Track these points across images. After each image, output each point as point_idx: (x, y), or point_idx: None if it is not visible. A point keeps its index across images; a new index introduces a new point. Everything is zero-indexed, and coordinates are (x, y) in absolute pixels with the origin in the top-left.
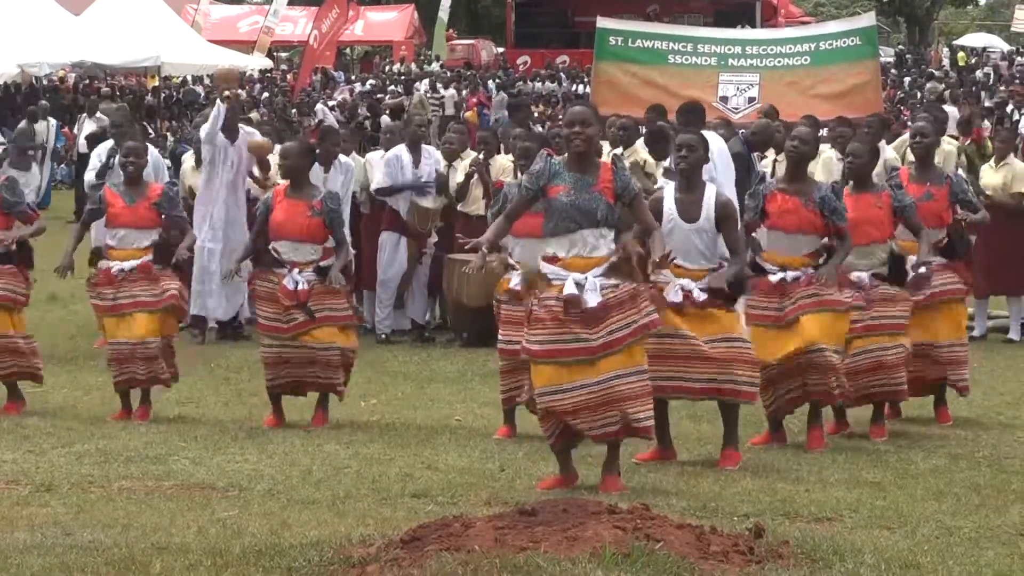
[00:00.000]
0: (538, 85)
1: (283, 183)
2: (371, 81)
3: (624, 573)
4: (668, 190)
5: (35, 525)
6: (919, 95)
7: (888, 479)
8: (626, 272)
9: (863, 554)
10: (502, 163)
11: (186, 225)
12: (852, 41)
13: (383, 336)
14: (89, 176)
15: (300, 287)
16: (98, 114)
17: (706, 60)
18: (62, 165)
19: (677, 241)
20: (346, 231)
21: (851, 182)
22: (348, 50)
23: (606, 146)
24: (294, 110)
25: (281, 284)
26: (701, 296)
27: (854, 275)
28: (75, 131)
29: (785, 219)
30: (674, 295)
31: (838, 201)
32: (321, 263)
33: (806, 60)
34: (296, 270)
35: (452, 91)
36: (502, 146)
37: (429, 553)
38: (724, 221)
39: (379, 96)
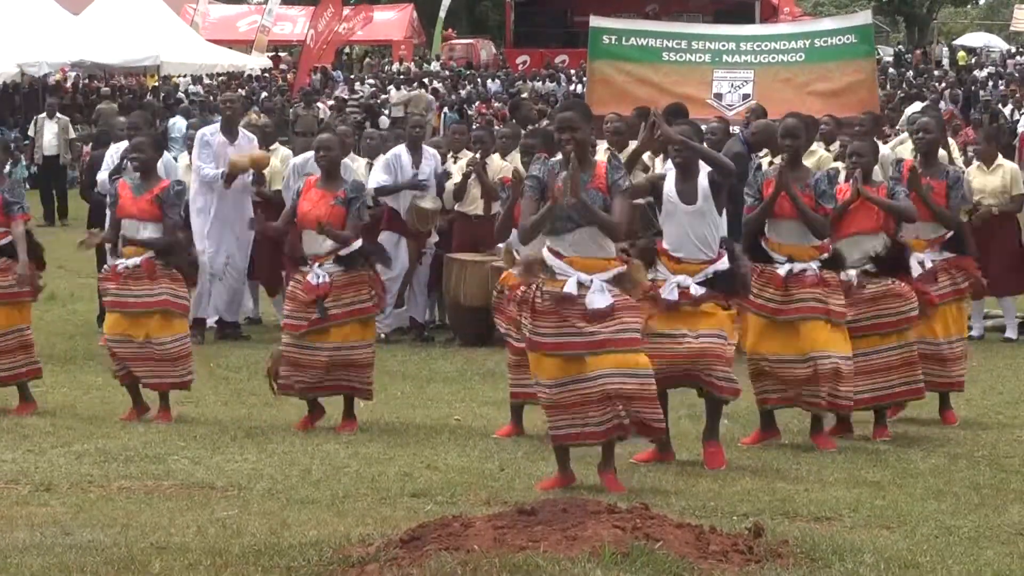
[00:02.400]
0: (537, 84)
1: (315, 175)
2: (371, 81)
3: (623, 572)
4: (670, 176)
5: (34, 524)
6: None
7: (887, 478)
8: (627, 287)
9: (862, 553)
10: (499, 163)
11: (176, 229)
12: (848, 39)
13: (383, 336)
14: (102, 176)
15: (322, 280)
16: (57, 115)
17: (700, 57)
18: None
19: (676, 228)
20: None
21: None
22: (348, 50)
23: (603, 144)
24: (292, 109)
25: (304, 281)
26: (699, 291)
27: (843, 275)
28: (32, 134)
29: (783, 204)
30: (670, 293)
31: (829, 186)
32: (341, 252)
33: (801, 57)
34: (317, 264)
35: (404, 91)
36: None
37: (428, 553)
38: (714, 182)
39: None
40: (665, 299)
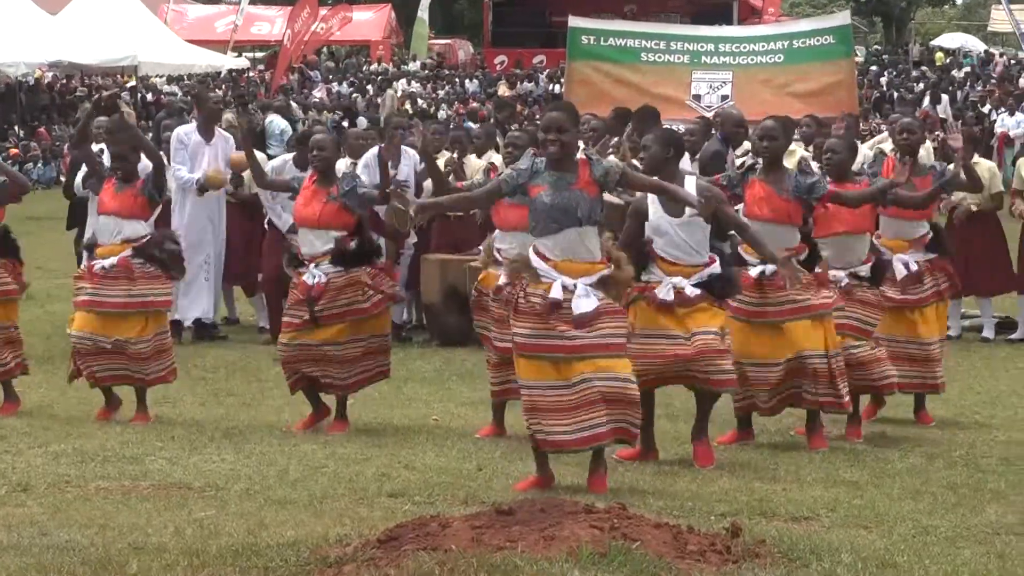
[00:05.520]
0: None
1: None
2: (350, 79)
3: (601, 572)
4: None
5: (11, 525)
6: (895, 95)
7: (865, 478)
8: (613, 293)
9: (840, 553)
10: (476, 163)
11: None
12: (826, 40)
13: None
14: (77, 180)
15: (317, 280)
16: None
17: (679, 58)
18: None
19: (668, 237)
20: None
21: (829, 178)
22: (325, 50)
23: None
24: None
25: (300, 281)
26: (693, 292)
27: (831, 274)
28: None
29: (759, 206)
30: (666, 294)
31: (806, 177)
32: (336, 252)
33: (779, 58)
34: (313, 264)
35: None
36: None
37: (406, 553)
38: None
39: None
40: (661, 299)
